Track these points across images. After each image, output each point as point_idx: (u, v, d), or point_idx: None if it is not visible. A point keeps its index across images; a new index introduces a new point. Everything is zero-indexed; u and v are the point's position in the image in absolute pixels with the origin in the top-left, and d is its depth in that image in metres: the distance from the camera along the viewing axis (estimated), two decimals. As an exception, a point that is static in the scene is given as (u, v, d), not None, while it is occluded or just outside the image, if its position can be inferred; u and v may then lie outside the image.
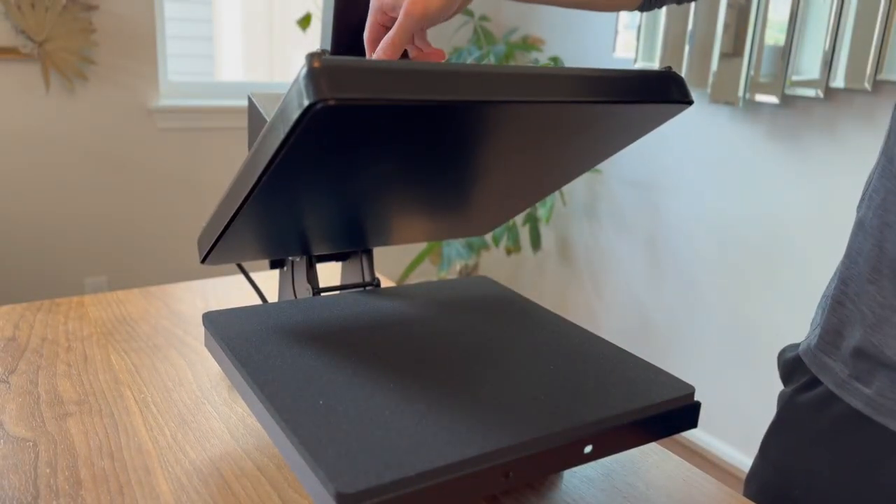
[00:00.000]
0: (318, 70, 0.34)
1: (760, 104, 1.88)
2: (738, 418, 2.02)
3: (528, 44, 2.42)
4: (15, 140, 2.09)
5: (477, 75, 0.39)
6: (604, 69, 0.44)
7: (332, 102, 0.34)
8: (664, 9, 2.02)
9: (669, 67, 0.47)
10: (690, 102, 0.48)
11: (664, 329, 2.24)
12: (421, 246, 2.74)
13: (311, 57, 0.35)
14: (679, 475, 0.53)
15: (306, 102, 0.34)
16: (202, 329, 0.59)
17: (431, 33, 0.53)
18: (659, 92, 0.46)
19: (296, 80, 0.35)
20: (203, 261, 0.56)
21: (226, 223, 0.49)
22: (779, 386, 0.63)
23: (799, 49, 1.72)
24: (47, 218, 2.18)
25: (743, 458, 2.02)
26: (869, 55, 1.58)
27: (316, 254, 0.62)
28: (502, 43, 2.39)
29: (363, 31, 0.53)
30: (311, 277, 0.62)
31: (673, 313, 2.20)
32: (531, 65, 0.42)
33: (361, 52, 0.55)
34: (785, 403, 0.60)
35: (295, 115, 0.35)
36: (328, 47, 0.54)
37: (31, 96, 2.07)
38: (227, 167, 2.39)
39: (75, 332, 0.72)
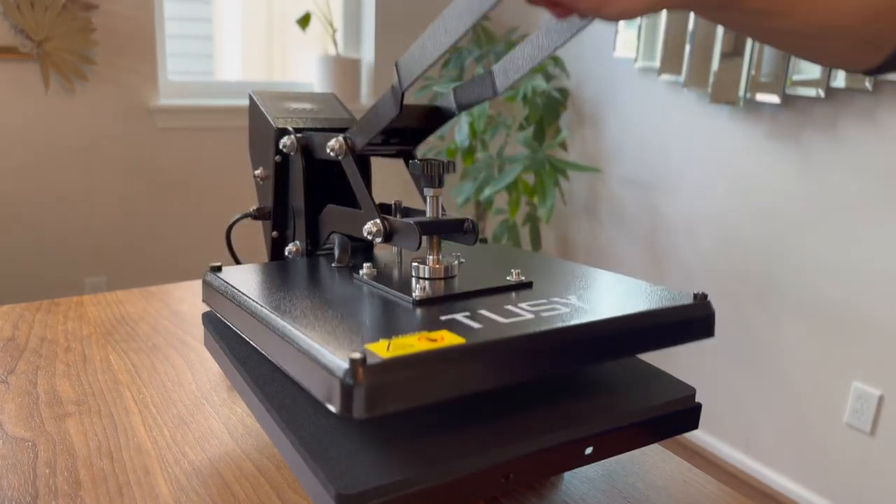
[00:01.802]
0: (355, 387, 0.33)
1: (761, 104, 1.87)
2: (738, 418, 2.02)
3: (529, 43, 2.42)
4: (14, 140, 2.08)
5: (518, 362, 0.38)
6: (642, 316, 0.43)
7: (364, 416, 0.34)
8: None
9: (705, 296, 0.46)
10: (712, 335, 0.48)
11: (664, 329, 2.23)
12: (421, 246, 2.74)
13: (354, 365, 0.33)
14: (679, 476, 0.53)
15: (333, 410, 0.34)
16: (202, 329, 0.58)
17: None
18: (689, 334, 0.47)
19: (331, 370, 0.34)
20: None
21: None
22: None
23: (799, 49, 1.72)
24: (47, 218, 2.18)
25: (743, 458, 2.02)
26: (869, 55, 1.57)
27: None
28: (502, 42, 2.39)
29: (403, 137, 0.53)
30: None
31: (673, 313, 2.20)
32: (582, 324, 0.37)
33: (396, 144, 0.55)
34: None
35: (323, 399, 0.35)
36: (359, 138, 0.51)
37: (31, 96, 2.07)
38: (227, 167, 2.39)
39: (74, 332, 0.72)
